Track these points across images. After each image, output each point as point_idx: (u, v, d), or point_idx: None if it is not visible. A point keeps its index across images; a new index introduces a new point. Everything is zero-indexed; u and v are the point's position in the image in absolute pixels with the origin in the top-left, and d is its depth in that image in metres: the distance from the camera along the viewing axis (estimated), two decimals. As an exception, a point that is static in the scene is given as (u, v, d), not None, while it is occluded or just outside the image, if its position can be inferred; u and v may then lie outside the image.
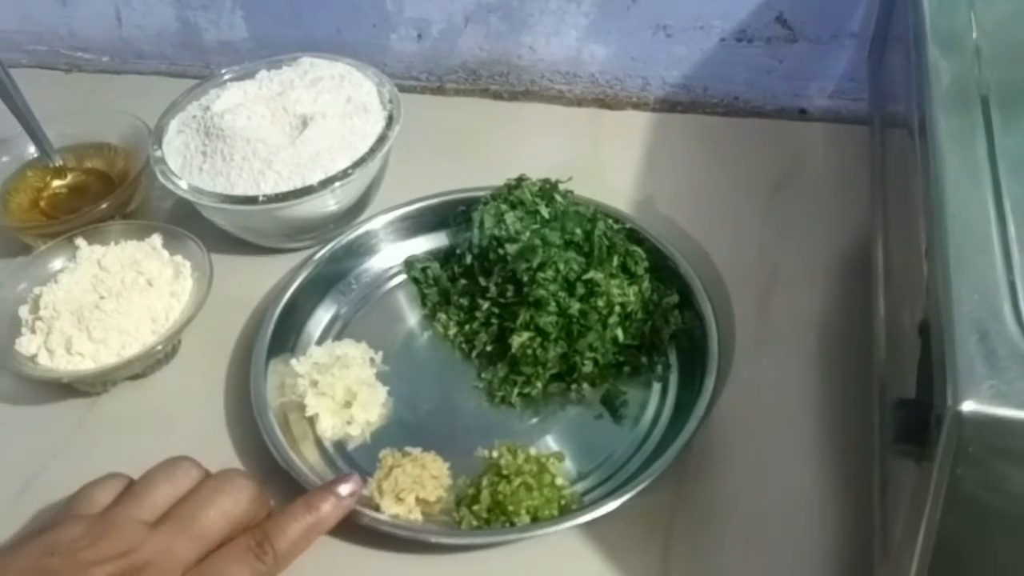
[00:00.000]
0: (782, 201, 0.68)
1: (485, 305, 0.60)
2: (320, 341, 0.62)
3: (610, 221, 0.62)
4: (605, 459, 0.54)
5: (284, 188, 0.62)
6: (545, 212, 0.61)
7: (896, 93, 0.57)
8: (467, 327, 0.61)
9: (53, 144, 0.71)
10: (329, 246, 0.64)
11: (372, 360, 0.59)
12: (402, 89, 0.69)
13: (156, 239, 0.62)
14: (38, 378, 0.58)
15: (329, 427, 0.56)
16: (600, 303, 0.57)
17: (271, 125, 0.64)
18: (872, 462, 0.47)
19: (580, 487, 0.53)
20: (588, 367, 0.57)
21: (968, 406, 0.31)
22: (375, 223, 0.66)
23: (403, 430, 0.57)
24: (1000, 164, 0.39)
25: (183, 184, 0.63)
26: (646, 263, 0.60)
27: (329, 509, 0.49)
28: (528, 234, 0.60)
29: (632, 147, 0.73)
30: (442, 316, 0.62)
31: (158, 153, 0.65)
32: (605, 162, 0.72)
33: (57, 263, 0.62)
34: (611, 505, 0.49)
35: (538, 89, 0.80)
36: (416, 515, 0.51)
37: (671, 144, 0.74)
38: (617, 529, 0.50)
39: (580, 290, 0.57)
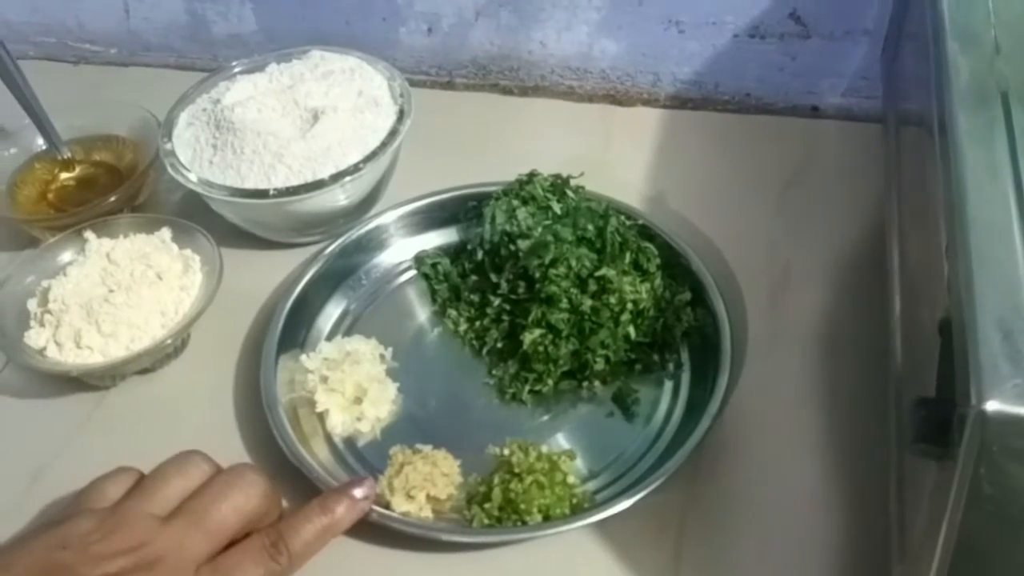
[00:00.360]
0: (794, 198, 0.67)
1: (496, 301, 0.59)
2: (330, 337, 0.61)
3: (622, 217, 0.61)
4: (616, 457, 0.54)
5: (295, 182, 0.61)
6: (557, 208, 0.61)
7: (911, 90, 0.56)
8: (478, 323, 0.60)
9: (61, 136, 0.71)
10: (339, 241, 0.64)
11: (382, 356, 0.59)
12: (411, 83, 0.69)
13: (165, 232, 0.62)
14: (47, 371, 0.57)
15: (339, 423, 0.56)
16: (612, 300, 0.57)
17: (282, 118, 0.64)
18: (888, 460, 0.47)
19: (591, 485, 0.53)
20: (600, 364, 0.57)
21: (992, 405, 0.31)
22: (385, 218, 0.66)
23: (413, 427, 0.56)
24: (1021, 160, 0.39)
25: (193, 177, 0.63)
26: (658, 260, 0.60)
27: (344, 511, 0.49)
28: (540, 230, 0.59)
29: (643, 143, 0.73)
30: (452, 312, 0.62)
31: (168, 146, 0.65)
32: (615, 158, 0.72)
33: (66, 256, 0.62)
34: (623, 504, 0.49)
35: (548, 84, 0.79)
36: (427, 513, 0.51)
37: (682, 141, 0.74)
38: (629, 528, 0.50)
39: (592, 287, 0.57)
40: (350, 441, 0.56)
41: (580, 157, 0.68)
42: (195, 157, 0.64)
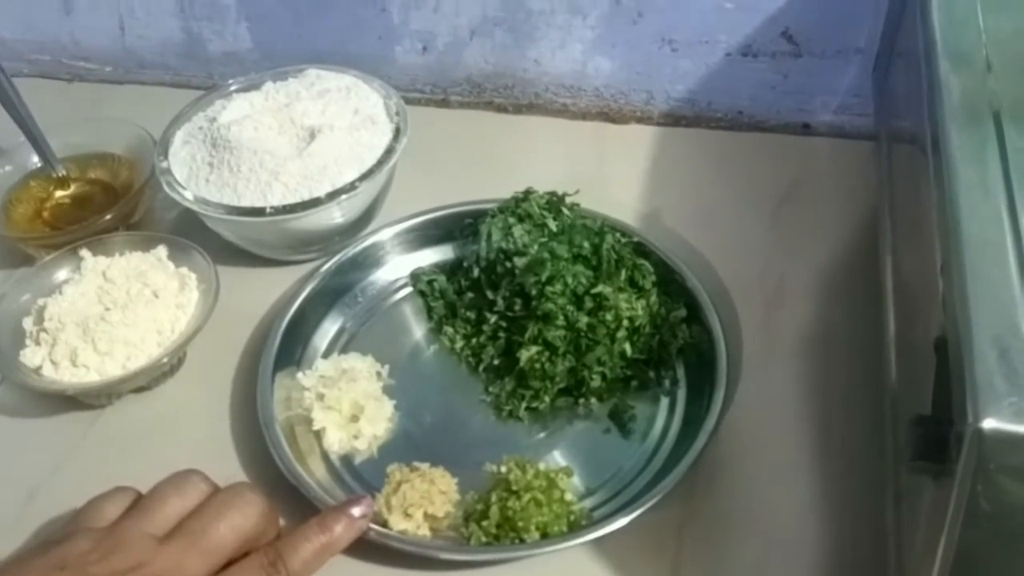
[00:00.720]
0: (787, 215, 0.68)
1: (492, 318, 0.60)
2: (326, 354, 0.61)
3: (617, 235, 0.62)
4: (613, 474, 0.54)
5: (291, 200, 0.62)
6: (553, 225, 0.61)
7: (903, 108, 0.57)
8: (474, 340, 0.60)
9: (56, 154, 0.71)
10: (335, 258, 0.64)
11: (379, 374, 0.59)
12: (406, 102, 0.69)
13: (161, 250, 0.62)
14: (42, 390, 0.57)
15: (336, 441, 0.56)
16: (608, 317, 0.57)
17: (278, 136, 0.64)
18: (884, 477, 0.47)
19: (589, 503, 0.53)
20: (596, 381, 0.57)
21: (989, 424, 0.31)
22: (381, 235, 0.66)
23: (410, 444, 0.56)
24: (1014, 178, 0.39)
25: (189, 195, 0.63)
26: (654, 277, 0.60)
27: (342, 530, 0.48)
28: (536, 247, 0.59)
29: (636, 161, 0.74)
30: (449, 329, 0.62)
31: (164, 164, 0.65)
32: (610, 176, 0.72)
33: (61, 274, 0.62)
34: (621, 521, 0.49)
35: (543, 102, 0.80)
36: (424, 531, 0.51)
37: (675, 158, 0.74)
38: (627, 545, 0.50)
39: (588, 304, 0.57)
40: (347, 459, 0.56)
41: (574, 174, 0.68)
42: (191, 175, 0.64)
